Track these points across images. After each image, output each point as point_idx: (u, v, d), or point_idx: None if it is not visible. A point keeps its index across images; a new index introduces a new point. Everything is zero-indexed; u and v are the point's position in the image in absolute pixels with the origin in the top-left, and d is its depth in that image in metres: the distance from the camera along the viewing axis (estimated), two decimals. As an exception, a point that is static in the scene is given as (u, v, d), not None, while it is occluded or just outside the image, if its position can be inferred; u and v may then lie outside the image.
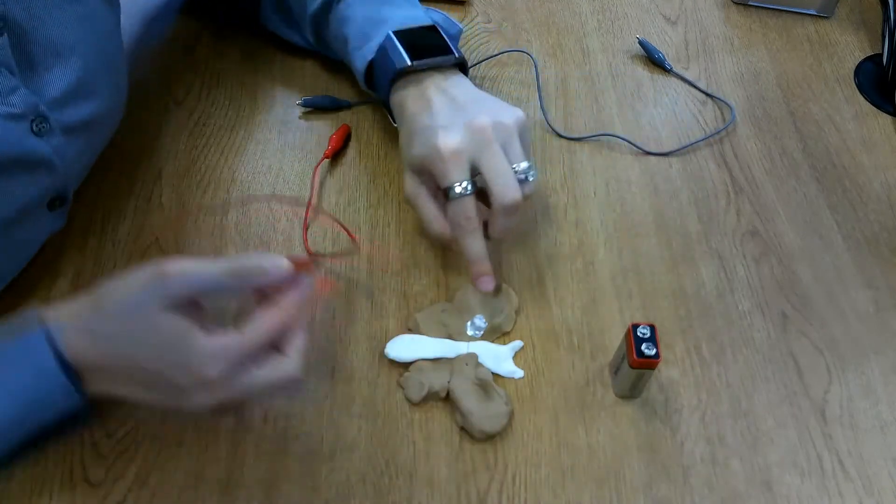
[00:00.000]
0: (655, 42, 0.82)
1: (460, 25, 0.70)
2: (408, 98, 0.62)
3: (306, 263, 0.51)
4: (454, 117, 0.59)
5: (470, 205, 0.57)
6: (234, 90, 0.74)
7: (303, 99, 0.73)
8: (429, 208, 0.60)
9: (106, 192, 0.66)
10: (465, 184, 0.57)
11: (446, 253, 0.64)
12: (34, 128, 0.53)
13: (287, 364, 0.48)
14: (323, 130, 0.72)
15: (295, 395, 0.56)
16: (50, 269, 0.61)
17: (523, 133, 0.60)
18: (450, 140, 0.57)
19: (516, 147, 0.59)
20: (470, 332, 0.58)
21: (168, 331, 0.46)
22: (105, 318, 0.47)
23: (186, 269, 0.47)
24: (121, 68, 0.64)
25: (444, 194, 0.58)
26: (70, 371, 0.46)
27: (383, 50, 0.63)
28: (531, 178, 0.59)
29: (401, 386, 0.57)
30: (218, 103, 0.73)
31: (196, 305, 0.48)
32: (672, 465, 0.55)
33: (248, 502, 0.52)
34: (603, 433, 0.56)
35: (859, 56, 0.83)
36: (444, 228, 0.60)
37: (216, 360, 0.46)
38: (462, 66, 0.65)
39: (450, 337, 0.58)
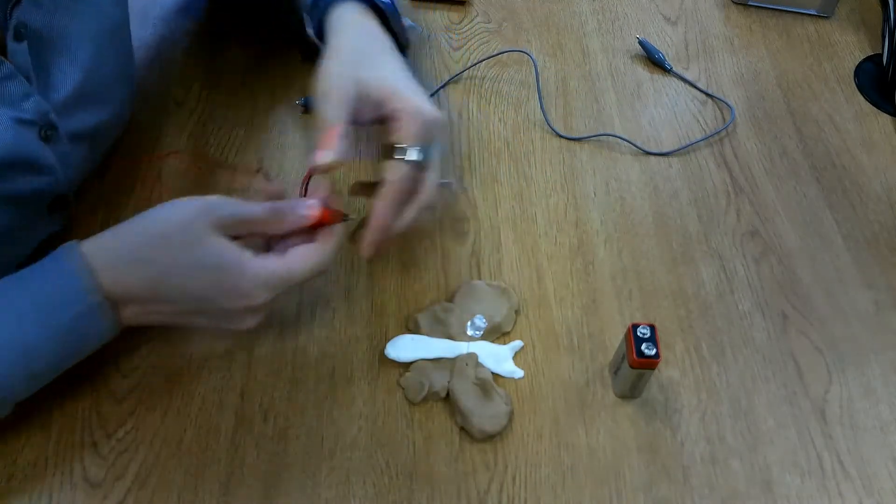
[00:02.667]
0: (655, 42, 0.82)
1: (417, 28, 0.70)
2: (360, 15, 0.61)
3: (337, 214, 0.53)
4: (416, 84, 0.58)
5: (414, 174, 0.56)
6: (234, 90, 0.74)
7: (303, 99, 0.73)
8: (343, 141, 0.54)
9: (106, 193, 0.65)
10: (422, 153, 0.56)
11: (446, 253, 0.64)
12: (42, 134, 0.53)
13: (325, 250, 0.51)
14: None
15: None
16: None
17: None
18: (434, 109, 0.56)
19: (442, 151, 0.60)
20: (470, 332, 0.58)
21: (220, 253, 0.47)
22: (149, 244, 0.48)
23: (232, 199, 0.49)
24: (130, 77, 0.64)
25: (389, 150, 0.55)
26: (108, 308, 0.48)
27: None
28: (449, 186, 0.60)
29: (401, 386, 0.57)
30: (218, 103, 0.73)
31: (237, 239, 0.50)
32: (672, 465, 0.55)
33: (248, 502, 0.52)
34: (603, 433, 0.56)
35: (859, 56, 0.83)
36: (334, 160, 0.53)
37: (265, 287, 0.48)
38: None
39: (450, 337, 0.58)
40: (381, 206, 0.55)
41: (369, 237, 0.55)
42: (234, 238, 0.50)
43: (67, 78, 0.55)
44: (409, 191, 0.56)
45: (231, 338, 0.57)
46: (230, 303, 0.49)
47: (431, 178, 0.57)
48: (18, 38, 0.51)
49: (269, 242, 0.53)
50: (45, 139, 0.53)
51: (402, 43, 0.64)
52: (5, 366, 0.47)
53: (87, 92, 0.56)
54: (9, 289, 0.48)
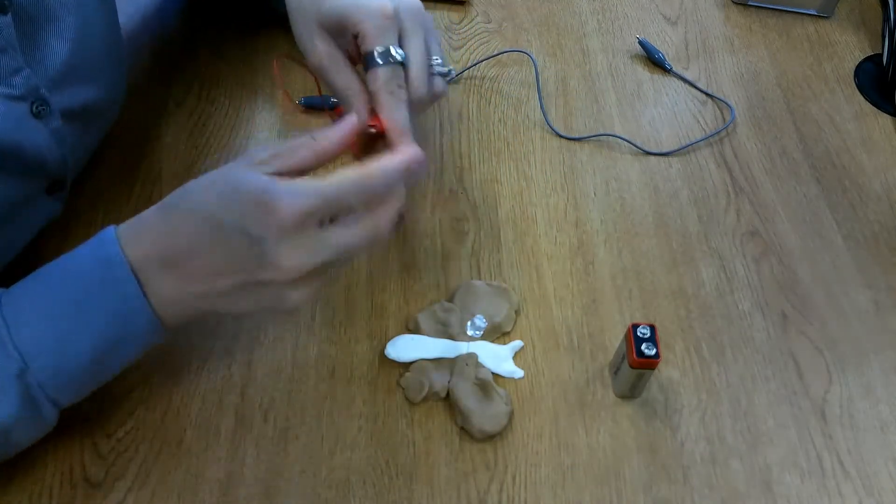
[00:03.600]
0: (655, 42, 0.82)
1: None
2: None
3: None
4: None
5: (402, 72, 0.52)
6: (234, 90, 0.74)
7: (303, 99, 0.73)
8: (348, 76, 0.53)
9: (106, 193, 0.65)
10: (400, 50, 0.52)
11: (446, 253, 0.64)
12: (34, 110, 0.52)
13: (379, 224, 0.46)
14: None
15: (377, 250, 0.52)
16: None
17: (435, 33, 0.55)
18: (387, 1, 0.51)
19: (436, 39, 0.55)
20: (470, 332, 0.58)
21: (247, 179, 0.43)
22: (184, 193, 0.46)
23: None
24: (119, 53, 0.63)
25: (365, 61, 0.52)
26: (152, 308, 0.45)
27: None
28: (449, 75, 0.55)
29: (401, 386, 0.57)
30: (218, 103, 0.73)
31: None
32: (672, 465, 0.55)
33: (248, 502, 0.52)
34: (603, 433, 0.56)
35: (859, 56, 0.83)
36: (364, 100, 0.53)
37: (299, 197, 0.43)
38: None
39: (450, 337, 0.58)
40: (397, 115, 0.52)
41: (406, 150, 0.50)
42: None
43: (54, 52, 0.54)
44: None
45: (280, 318, 0.52)
46: (262, 227, 0.43)
47: (415, 73, 0.52)
48: (2, 10, 0.49)
49: None
50: (37, 115, 0.52)
51: None
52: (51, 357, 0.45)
53: (76, 66, 0.55)
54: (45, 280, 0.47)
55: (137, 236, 0.46)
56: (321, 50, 0.53)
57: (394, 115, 0.52)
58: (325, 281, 0.47)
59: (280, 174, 0.45)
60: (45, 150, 0.54)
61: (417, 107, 0.54)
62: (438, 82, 0.55)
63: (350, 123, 0.48)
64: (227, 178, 0.45)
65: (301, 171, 0.46)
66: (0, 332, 0.45)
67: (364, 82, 0.53)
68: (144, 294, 0.46)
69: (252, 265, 0.44)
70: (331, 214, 0.45)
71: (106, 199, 0.65)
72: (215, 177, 0.46)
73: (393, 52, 0.51)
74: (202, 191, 0.46)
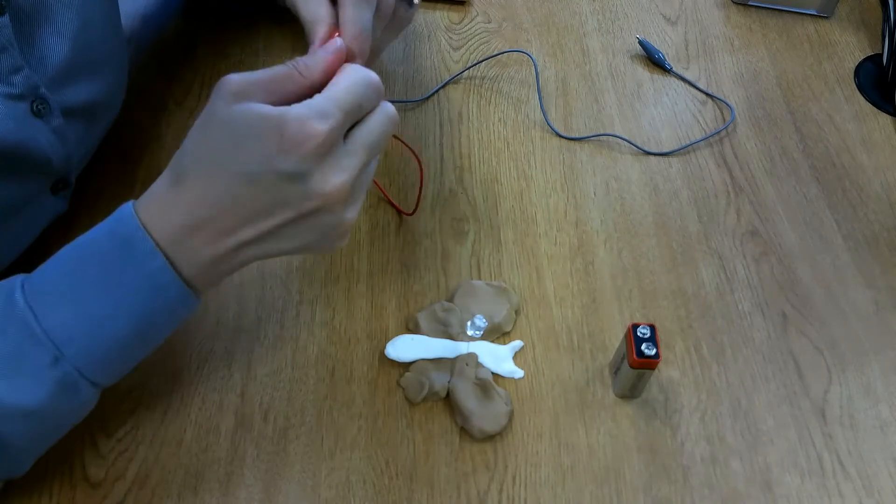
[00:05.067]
0: (655, 42, 0.82)
1: None
2: None
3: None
4: None
5: None
6: (234, 90, 0.74)
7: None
8: (318, 4, 0.50)
9: (106, 193, 0.65)
10: None
11: (446, 253, 0.64)
12: (34, 108, 0.52)
13: (385, 106, 0.44)
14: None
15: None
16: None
17: None
18: None
19: None
20: (470, 332, 0.58)
21: (250, 116, 0.41)
22: (180, 153, 0.43)
23: (247, 73, 0.42)
24: (121, 50, 0.63)
25: None
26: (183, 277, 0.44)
27: None
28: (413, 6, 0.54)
29: (401, 386, 0.57)
30: (218, 103, 0.73)
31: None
32: (672, 465, 0.55)
33: (248, 502, 0.52)
34: (603, 433, 0.56)
35: (859, 56, 0.83)
36: (330, 29, 0.50)
37: (319, 116, 0.41)
38: None
39: (450, 337, 0.58)
40: (363, 14, 0.49)
41: (357, 45, 0.48)
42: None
43: (54, 50, 0.53)
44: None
45: (336, 245, 0.47)
46: (295, 162, 0.40)
47: None
48: (0, 10, 0.49)
49: None
50: (37, 114, 0.52)
51: None
52: (85, 338, 0.44)
53: (77, 64, 0.55)
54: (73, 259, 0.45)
55: (157, 210, 0.44)
56: None
57: (360, 13, 0.49)
58: (367, 187, 0.45)
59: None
60: (47, 148, 0.54)
61: (381, 31, 0.52)
62: (403, 8, 0.54)
63: (335, 48, 0.45)
64: (230, 122, 0.41)
65: (280, 102, 0.43)
66: (27, 319, 0.43)
67: (335, 15, 0.50)
68: (173, 266, 0.44)
69: (297, 200, 0.42)
70: (352, 122, 0.44)
71: (106, 199, 0.65)
72: (212, 124, 0.43)
73: None
74: (210, 146, 0.43)
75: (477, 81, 0.77)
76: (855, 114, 0.78)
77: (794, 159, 0.74)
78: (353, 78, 0.44)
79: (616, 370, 0.57)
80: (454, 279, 0.63)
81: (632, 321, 0.60)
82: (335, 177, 0.42)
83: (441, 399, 0.56)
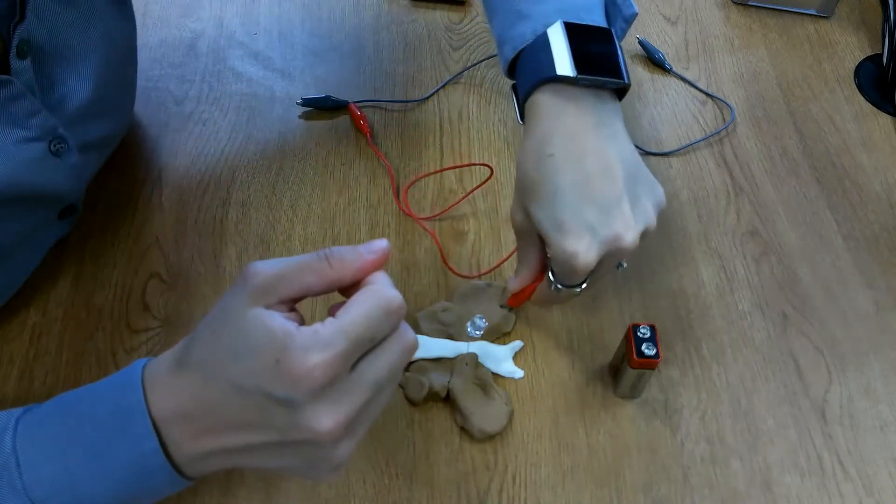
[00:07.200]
0: (655, 42, 0.82)
1: (636, 8, 0.58)
2: (554, 116, 0.53)
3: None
4: (604, 208, 0.50)
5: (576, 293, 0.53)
6: (233, 90, 0.74)
7: (302, 98, 0.73)
8: (531, 252, 0.55)
9: (106, 193, 0.66)
10: (584, 284, 0.53)
11: (446, 253, 0.64)
12: (52, 147, 0.53)
13: (402, 336, 0.40)
14: (322, 129, 0.72)
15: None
16: (51, 270, 0.61)
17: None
18: (590, 253, 0.49)
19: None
20: (470, 332, 0.58)
21: (257, 328, 0.38)
22: (193, 338, 0.40)
23: (280, 259, 0.39)
24: (133, 83, 0.64)
25: (553, 274, 0.53)
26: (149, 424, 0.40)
27: (543, 41, 0.54)
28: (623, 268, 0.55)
29: (401, 386, 0.57)
30: (218, 103, 0.73)
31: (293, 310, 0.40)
32: (672, 465, 0.55)
33: (248, 502, 0.52)
34: (603, 433, 0.56)
35: (859, 56, 0.83)
36: (530, 277, 0.56)
37: (322, 347, 0.37)
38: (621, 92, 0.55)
39: (450, 337, 0.58)
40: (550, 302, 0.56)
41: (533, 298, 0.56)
42: (291, 310, 0.40)
43: (76, 92, 0.54)
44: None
45: (327, 478, 0.43)
46: (288, 389, 0.37)
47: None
48: (21, 55, 0.49)
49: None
50: (56, 153, 0.53)
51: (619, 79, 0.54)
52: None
53: (97, 103, 0.56)
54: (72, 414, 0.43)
55: (159, 386, 0.41)
56: (518, 220, 0.55)
57: (549, 302, 0.56)
58: (370, 423, 0.40)
59: (283, 302, 0.39)
60: (62, 183, 0.55)
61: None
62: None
63: (380, 249, 0.41)
64: (239, 330, 0.38)
65: (305, 297, 0.40)
66: (10, 467, 0.40)
67: (540, 263, 0.55)
68: (166, 451, 0.41)
69: (283, 426, 0.38)
70: (361, 353, 0.39)
71: (105, 200, 0.65)
72: (226, 324, 0.39)
73: (577, 289, 0.53)
74: (214, 348, 0.40)
75: (477, 81, 0.77)
76: (855, 114, 0.78)
77: (794, 159, 0.74)
78: (372, 303, 0.39)
79: (616, 370, 0.57)
80: (454, 279, 0.63)
81: (632, 321, 0.60)
82: (329, 415, 0.38)
83: (441, 399, 0.56)
